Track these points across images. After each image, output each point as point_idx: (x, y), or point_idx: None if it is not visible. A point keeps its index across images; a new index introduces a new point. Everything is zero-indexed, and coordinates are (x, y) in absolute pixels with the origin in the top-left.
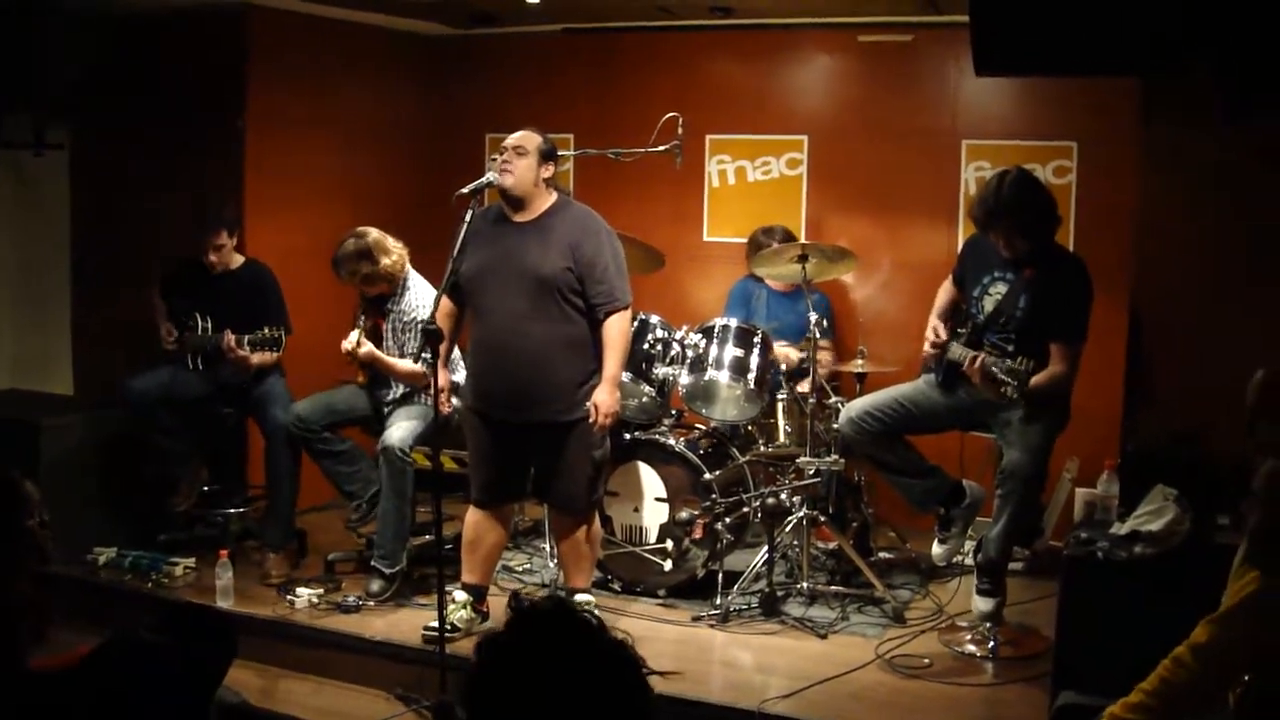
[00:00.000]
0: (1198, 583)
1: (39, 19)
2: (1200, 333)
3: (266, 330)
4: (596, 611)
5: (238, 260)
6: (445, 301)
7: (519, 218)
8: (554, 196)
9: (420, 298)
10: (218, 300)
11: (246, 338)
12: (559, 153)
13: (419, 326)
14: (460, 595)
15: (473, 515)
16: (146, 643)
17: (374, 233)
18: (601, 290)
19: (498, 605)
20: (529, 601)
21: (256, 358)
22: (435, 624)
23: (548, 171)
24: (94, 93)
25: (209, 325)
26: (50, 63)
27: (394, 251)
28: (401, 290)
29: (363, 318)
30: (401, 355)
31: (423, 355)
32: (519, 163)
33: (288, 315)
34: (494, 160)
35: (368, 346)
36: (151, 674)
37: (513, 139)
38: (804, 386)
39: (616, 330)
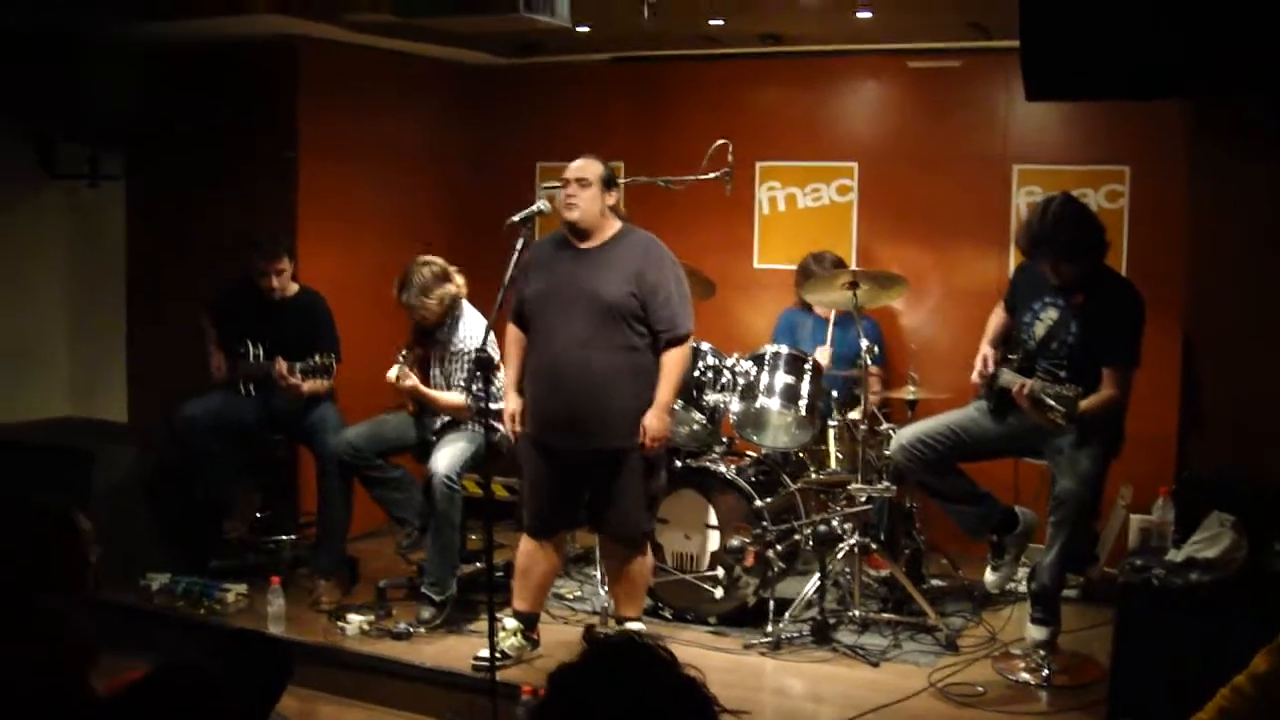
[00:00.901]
0: (1256, 610)
1: (93, 52)
2: (1255, 357)
3: (319, 358)
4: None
5: (293, 288)
6: (513, 329)
7: (583, 245)
8: (617, 224)
9: (471, 330)
10: (271, 327)
11: (298, 365)
12: None
13: (466, 357)
14: (510, 623)
15: (525, 544)
16: (200, 668)
17: (439, 261)
18: (664, 317)
19: (548, 633)
20: (604, 634)
21: (308, 385)
22: (485, 653)
23: (611, 199)
24: (148, 124)
25: (260, 352)
26: (104, 95)
27: (455, 281)
28: (454, 322)
29: (405, 352)
30: (449, 386)
31: (473, 384)
32: (583, 194)
33: (339, 343)
34: (544, 189)
35: (411, 380)
36: (205, 700)
37: (574, 170)
38: (855, 413)
39: (675, 359)
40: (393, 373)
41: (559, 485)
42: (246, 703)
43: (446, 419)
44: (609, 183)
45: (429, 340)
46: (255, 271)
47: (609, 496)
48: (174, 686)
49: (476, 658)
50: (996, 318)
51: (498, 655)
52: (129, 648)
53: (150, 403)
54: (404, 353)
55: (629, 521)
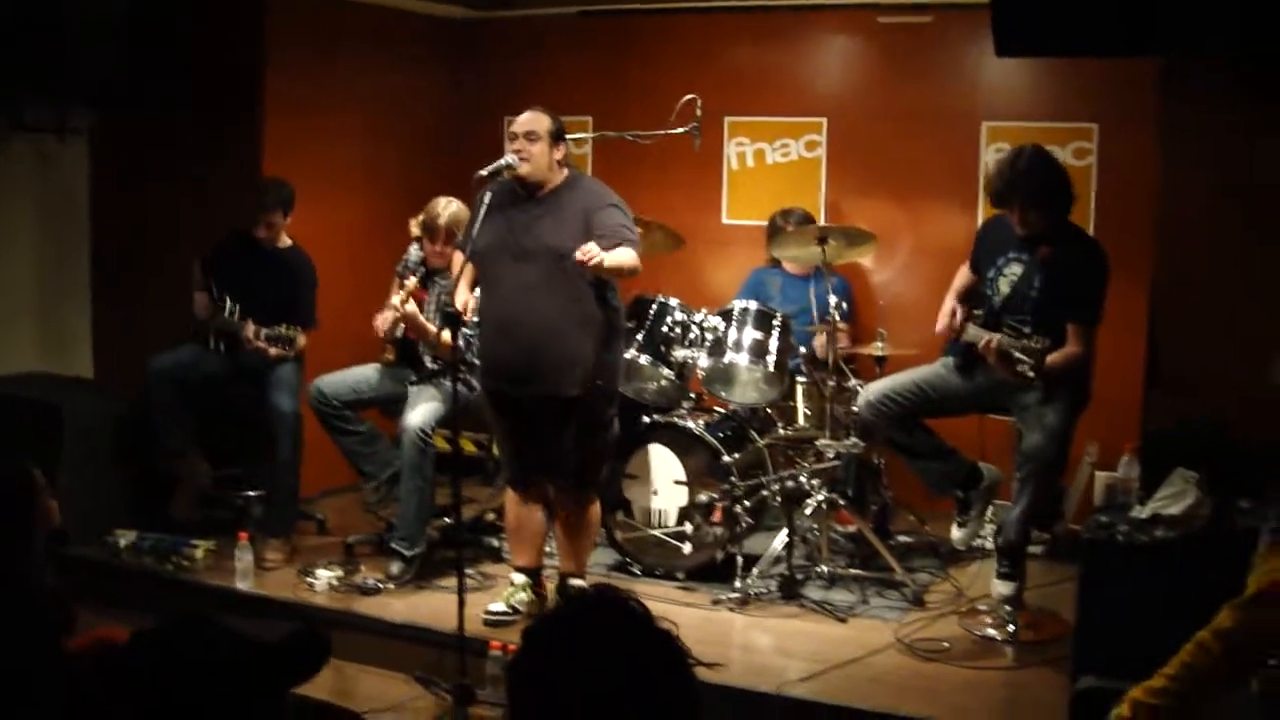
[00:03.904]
0: (1219, 566)
1: (61, 4)
2: (1220, 315)
3: (284, 328)
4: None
5: (285, 242)
6: (470, 272)
7: (533, 194)
8: (565, 172)
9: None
10: (252, 280)
11: (264, 331)
12: (578, 135)
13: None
14: (518, 578)
15: (510, 498)
16: (216, 624)
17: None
18: (619, 240)
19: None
20: (578, 588)
21: (275, 351)
22: (496, 606)
23: (560, 152)
24: (116, 78)
25: (235, 309)
26: (72, 48)
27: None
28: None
29: (412, 279)
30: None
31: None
32: (533, 149)
33: (314, 310)
34: (509, 141)
35: (413, 306)
36: (221, 656)
37: (522, 124)
38: (818, 341)
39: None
40: (397, 299)
41: (521, 433)
42: (273, 676)
43: (419, 375)
44: (558, 135)
45: (429, 281)
46: (250, 216)
47: (557, 444)
48: (189, 639)
49: (488, 611)
50: (961, 276)
51: (508, 610)
52: (95, 603)
53: (116, 358)
54: (408, 282)
55: (576, 470)
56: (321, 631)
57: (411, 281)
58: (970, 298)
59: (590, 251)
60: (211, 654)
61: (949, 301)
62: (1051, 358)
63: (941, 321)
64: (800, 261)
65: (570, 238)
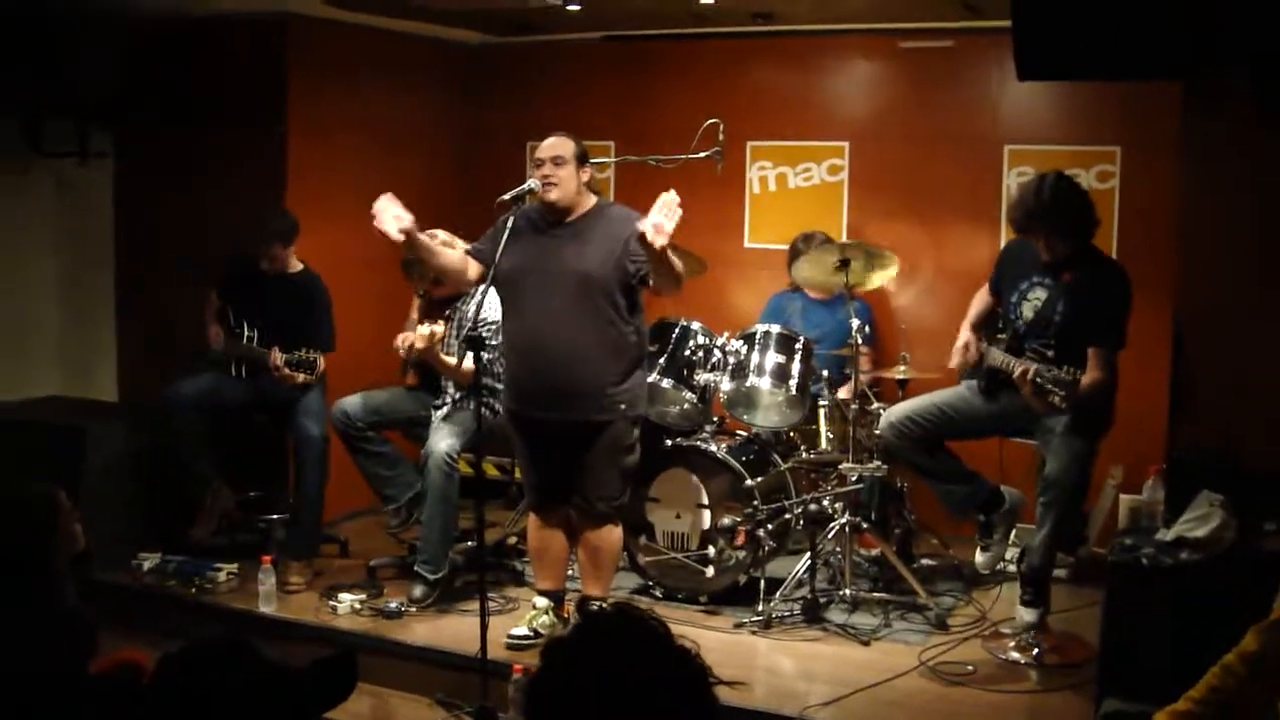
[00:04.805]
0: (1245, 589)
1: (82, 27)
2: (1245, 338)
3: (305, 352)
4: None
5: (296, 266)
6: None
7: (561, 220)
8: (593, 199)
9: (493, 300)
10: (265, 305)
11: (284, 357)
12: (600, 160)
13: (488, 327)
14: (541, 601)
15: (532, 521)
16: (247, 645)
17: (442, 235)
18: None
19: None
20: (597, 607)
21: (302, 377)
22: (519, 631)
23: (586, 175)
24: (137, 101)
25: (255, 334)
26: (93, 71)
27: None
28: (473, 293)
29: (441, 324)
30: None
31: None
32: (561, 173)
33: (332, 332)
34: (536, 168)
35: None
36: (248, 676)
37: (548, 149)
38: (844, 392)
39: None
40: (424, 328)
41: (545, 458)
42: (301, 702)
43: (444, 400)
44: (583, 159)
45: (440, 311)
46: (255, 249)
47: (580, 468)
48: (217, 663)
49: (510, 635)
50: (979, 301)
51: (531, 633)
52: (120, 627)
53: (140, 381)
54: (424, 328)
55: (598, 494)
56: (349, 658)
57: (436, 328)
58: (986, 322)
59: (661, 225)
60: (239, 679)
61: (964, 333)
62: (1082, 384)
63: (954, 359)
64: (822, 288)
65: (599, 263)
